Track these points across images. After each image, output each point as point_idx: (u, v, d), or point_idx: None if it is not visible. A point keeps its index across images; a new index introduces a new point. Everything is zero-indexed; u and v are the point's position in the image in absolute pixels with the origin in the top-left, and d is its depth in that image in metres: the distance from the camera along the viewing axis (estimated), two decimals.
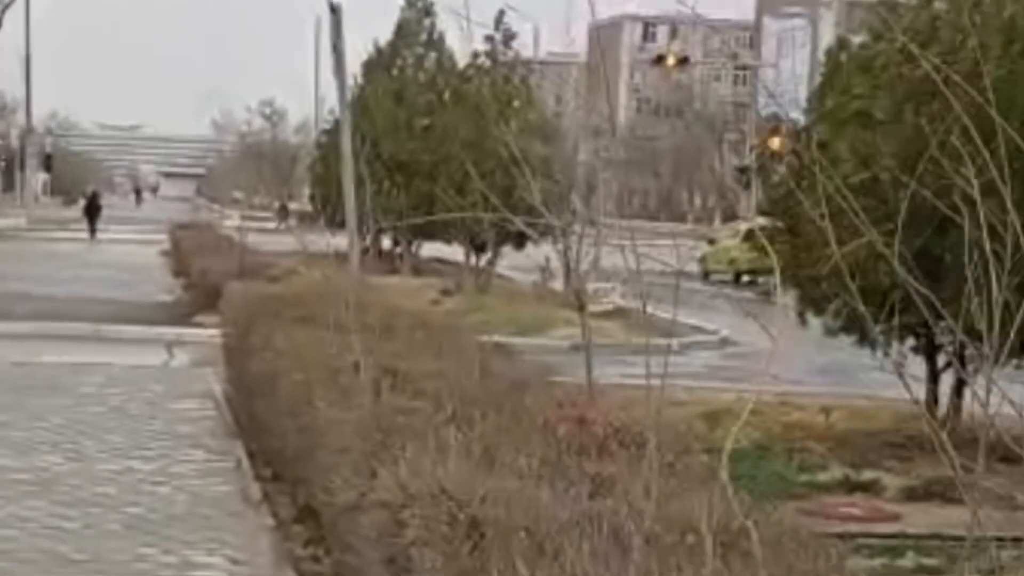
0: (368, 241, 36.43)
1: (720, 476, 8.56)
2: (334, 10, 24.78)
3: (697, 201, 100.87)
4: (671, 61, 44.53)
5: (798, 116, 15.71)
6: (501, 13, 35.89)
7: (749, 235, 45.67)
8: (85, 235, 57.64)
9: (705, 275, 41.96)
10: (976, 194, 4.15)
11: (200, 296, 24.22)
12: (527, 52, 41.37)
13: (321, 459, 7.84)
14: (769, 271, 43.89)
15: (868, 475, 12.24)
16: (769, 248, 6.85)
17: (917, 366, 13.84)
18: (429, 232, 38.38)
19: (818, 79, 15.56)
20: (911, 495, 11.75)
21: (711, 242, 46.87)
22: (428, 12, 43.18)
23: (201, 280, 25.05)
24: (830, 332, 13.91)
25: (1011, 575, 5.39)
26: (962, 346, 13.52)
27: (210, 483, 10.71)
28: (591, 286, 27.82)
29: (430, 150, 37.12)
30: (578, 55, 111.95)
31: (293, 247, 33.49)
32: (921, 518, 10.93)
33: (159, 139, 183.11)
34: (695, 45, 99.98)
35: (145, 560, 8.65)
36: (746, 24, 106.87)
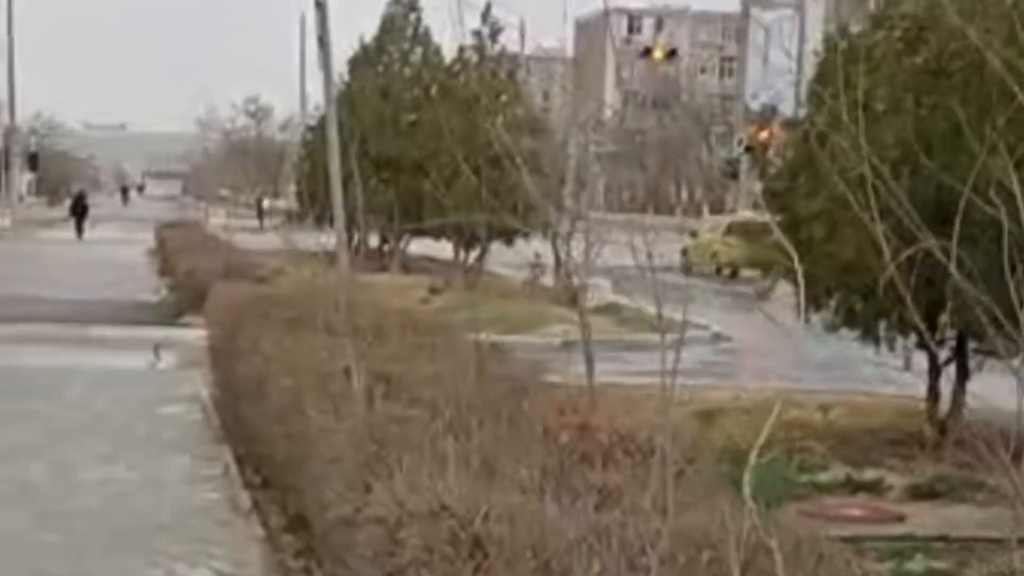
0: (357, 238, 36.12)
1: (723, 482, 8.28)
2: (320, 5, 24.49)
3: (684, 194, 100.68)
4: (658, 54, 44.22)
5: (785, 108, 15.49)
6: (488, 7, 35.64)
7: (731, 229, 45.95)
8: (71, 235, 57.26)
9: (687, 269, 41.82)
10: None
11: (186, 296, 23.91)
12: (514, 46, 41.12)
13: (312, 469, 7.54)
14: (750, 264, 43.96)
15: (870, 474, 11.97)
16: (786, 244, 6.54)
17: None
18: (416, 229, 38.06)
19: (806, 71, 15.30)
20: (915, 494, 11.49)
21: (693, 235, 46.73)
22: (413, 7, 42.88)
23: (187, 280, 24.73)
24: (831, 328, 13.62)
25: None
26: (962, 341, 13.28)
27: (197, 491, 10.39)
28: (578, 279, 27.46)
29: (417, 146, 36.83)
30: (564, 49, 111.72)
31: (281, 245, 33.26)
32: (927, 518, 10.68)
33: (145, 137, 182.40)
34: (681, 37, 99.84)
35: (130, 575, 8.35)
36: (733, 16, 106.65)
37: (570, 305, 27.22)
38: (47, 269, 36.23)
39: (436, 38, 41.88)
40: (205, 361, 15.25)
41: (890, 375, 15.29)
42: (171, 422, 13.47)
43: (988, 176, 8.87)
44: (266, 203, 78.96)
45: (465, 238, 34.49)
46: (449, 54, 39.23)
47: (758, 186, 41.03)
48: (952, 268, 4.03)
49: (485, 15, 36.09)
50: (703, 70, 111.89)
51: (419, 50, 42.24)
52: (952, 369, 13.45)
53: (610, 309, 26.56)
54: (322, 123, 32.92)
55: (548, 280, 31.46)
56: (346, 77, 41.81)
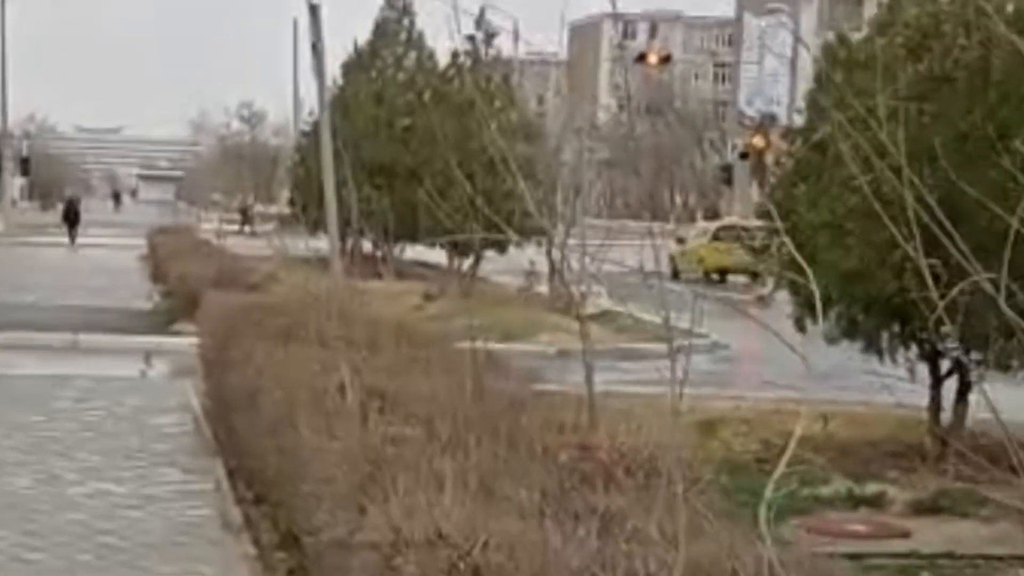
0: (350, 244, 35.92)
1: (723, 495, 8.08)
2: (313, 10, 24.31)
3: (678, 200, 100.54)
4: (653, 59, 44.09)
5: (779, 112, 15.31)
6: (482, 11, 35.43)
7: (717, 234, 45.97)
8: (63, 240, 56.99)
9: (675, 274, 41.75)
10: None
11: (178, 303, 23.69)
12: (508, 51, 40.94)
13: (305, 489, 7.33)
14: (737, 270, 43.96)
15: (872, 488, 11.77)
16: (798, 258, 6.37)
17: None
18: (411, 235, 37.89)
19: (800, 77, 15.11)
20: (918, 509, 11.30)
21: (680, 241, 46.73)
22: (407, 11, 42.70)
23: (179, 287, 24.50)
24: (832, 340, 13.42)
25: None
26: (966, 352, 13.09)
27: (187, 506, 10.17)
28: (577, 289, 27.26)
29: (411, 151, 36.65)
30: (558, 54, 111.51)
31: (279, 251, 33.05)
32: (931, 534, 10.50)
33: (138, 141, 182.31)
34: (675, 43, 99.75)
35: None
36: (726, 21, 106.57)
37: (565, 313, 27.06)
38: (38, 275, 36.00)
39: (430, 43, 41.75)
40: (197, 370, 15.03)
41: (888, 384, 15.10)
42: (162, 434, 13.25)
43: (995, 182, 8.72)
44: (260, 208, 78.68)
45: (458, 246, 34.27)
46: (443, 59, 39.09)
47: (755, 193, 40.94)
48: (979, 275, 3.84)
49: (479, 20, 35.88)
50: (696, 76, 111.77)
51: (413, 55, 42.06)
52: (952, 380, 13.30)
53: (606, 317, 26.37)
54: (316, 128, 32.74)
55: (543, 287, 31.27)
56: (339, 82, 41.62)
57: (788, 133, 14.68)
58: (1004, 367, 12.50)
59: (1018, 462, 4.47)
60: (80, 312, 26.04)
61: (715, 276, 44.05)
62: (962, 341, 12.91)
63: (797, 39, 75.46)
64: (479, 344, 11.22)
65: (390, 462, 6.43)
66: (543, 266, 31.24)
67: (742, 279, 44.13)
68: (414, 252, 40.36)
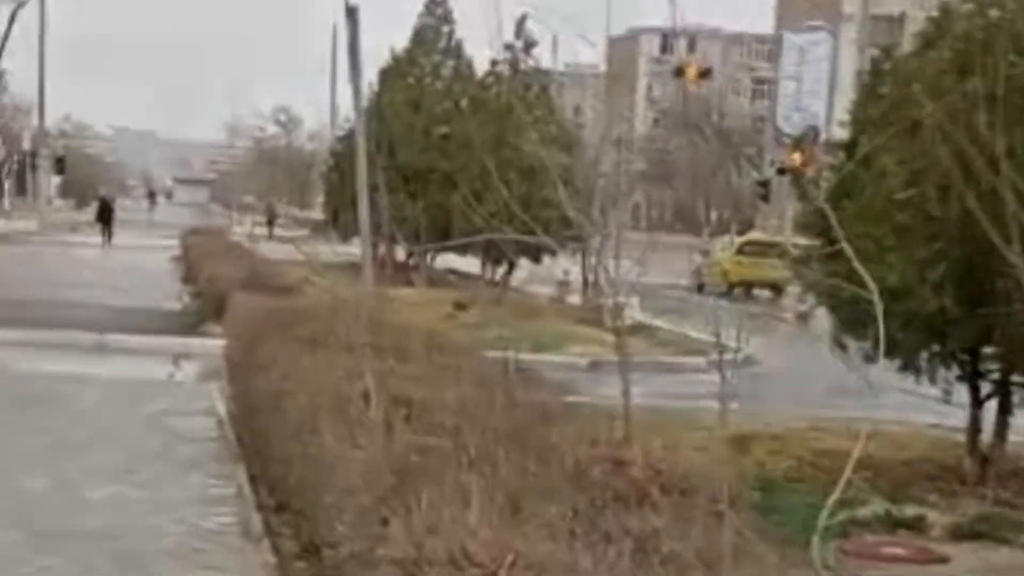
0: (382, 251, 35.73)
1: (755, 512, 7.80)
2: (351, 13, 24.13)
3: (713, 214, 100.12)
4: (692, 73, 43.69)
5: (818, 130, 15.03)
6: (522, 20, 35.24)
7: (742, 248, 45.90)
8: (97, 239, 56.95)
9: (699, 287, 41.54)
10: None
11: (208, 305, 23.49)
12: (546, 62, 40.66)
13: (327, 499, 7.07)
14: (761, 284, 43.69)
15: (911, 511, 11.46)
16: (867, 279, 6.11)
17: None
18: (444, 242, 37.67)
19: (840, 93, 14.84)
20: (957, 534, 11.00)
21: (705, 254, 46.70)
22: (447, 19, 42.46)
23: (209, 288, 24.30)
24: (870, 359, 13.10)
25: None
26: (1008, 372, 12.78)
27: (208, 512, 9.91)
28: (611, 300, 27.00)
29: (447, 159, 36.44)
30: (597, 66, 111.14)
31: (311, 255, 32.86)
32: (971, 561, 10.23)
33: (174, 143, 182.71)
34: (713, 58, 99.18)
35: None
36: (765, 37, 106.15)
37: (597, 324, 26.78)
38: (69, 273, 35.89)
39: (469, 51, 41.54)
40: (224, 373, 14.80)
41: (920, 402, 14.82)
42: (185, 437, 13.01)
43: None
44: (295, 212, 78.55)
45: (492, 254, 34.04)
46: (481, 68, 38.86)
47: (790, 210, 40.64)
48: None
49: (519, 29, 35.69)
50: (736, 91, 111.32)
51: (451, 63, 41.83)
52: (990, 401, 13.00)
53: (639, 329, 26.08)
54: (351, 134, 32.57)
55: (575, 298, 31.02)
56: (376, 88, 41.43)
57: (831, 147, 14.36)
58: None
59: None
60: (109, 311, 25.88)
61: (739, 290, 44.02)
62: (1004, 362, 12.62)
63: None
64: (510, 354, 10.98)
65: (415, 473, 6.18)
66: (576, 276, 31.02)
67: (766, 293, 43.99)
68: (446, 260, 40.16)
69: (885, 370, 13.49)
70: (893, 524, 11.19)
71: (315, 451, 7.60)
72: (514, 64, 36.14)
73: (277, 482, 9.90)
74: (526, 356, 18.71)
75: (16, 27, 56.31)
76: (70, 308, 26.10)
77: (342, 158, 41.44)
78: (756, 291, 44.61)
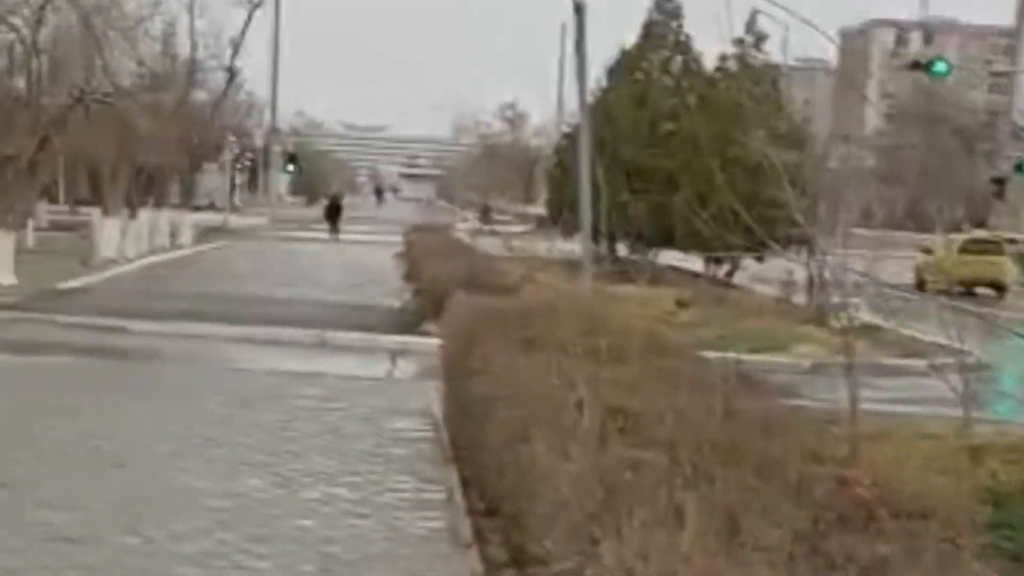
0: (604, 248, 35.47)
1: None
2: (578, 10, 23.94)
3: (944, 212, 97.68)
4: (941, 66, 42.40)
5: None
6: (753, 15, 34.64)
7: (966, 246, 44.47)
8: (325, 235, 57.81)
9: (920, 285, 40.39)
10: None
11: (428, 303, 23.46)
12: (776, 57, 39.87)
13: (537, 510, 6.78)
14: (983, 283, 42.21)
15: None
16: None
17: None
18: (666, 240, 37.28)
19: None
20: None
21: (927, 252, 45.38)
22: (676, 15, 42.00)
23: (431, 286, 24.27)
24: None
25: None
26: None
27: (417, 517, 9.72)
28: (836, 300, 26.33)
29: (671, 156, 36.03)
30: (827, 61, 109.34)
31: (528, 252, 32.76)
32: None
33: (401, 140, 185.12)
34: (950, 52, 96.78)
35: None
36: (1005, 30, 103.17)
37: (821, 325, 26.08)
38: (295, 270, 36.40)
39: (698, 47, 41.04)
40: (440, 373, 14.64)
41: None
42: (400, 438, 12.88)
43: None
44: (517, 209, 78.76)
45: (715, 252, 33.49)
46: (710, 63, 38.34)
47: None
48: None
49: (750, 24, 35.09)
50: (973, 85, 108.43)
51: (679, 59, 41.37)
52: None
53: (865, 330, 25.31)
54: (576, 130, 32.38)
55: (800, 298, 30.30)
56: (603, 84, 41.17)
57: None
58: None
59: None
60: (331, 308, 26.08)
61: (960, 289, 42.75)
62: None
63: None
64: (730, 355, 10.56)
65: (627, 490, 5.85)
66: (801, 276, 30.30)
67: (990, 292, 42.52)
68: (668, 258, 39.72)
69: None
70: None
71: (526, 460, 7.32)
72: (743, 59, 35.56)
73: (488, 486, 9.67)
74: (746, 357, 18.29)
75: (251, 26, 57.32)
76: (293, 305, 26.37)
77: (566, 155, 41.29)
78: (978, 290, 43.24)
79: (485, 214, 72.52)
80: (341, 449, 12.15)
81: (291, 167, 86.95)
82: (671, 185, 35.58)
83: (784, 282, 30.51)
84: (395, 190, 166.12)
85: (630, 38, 42.31)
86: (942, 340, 23.69)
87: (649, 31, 42.10)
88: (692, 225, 30.39)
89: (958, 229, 62.29)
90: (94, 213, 38.21)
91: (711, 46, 40.22)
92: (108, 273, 31.62)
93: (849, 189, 33.19)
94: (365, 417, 13.90)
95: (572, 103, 45.11)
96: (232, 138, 73.60)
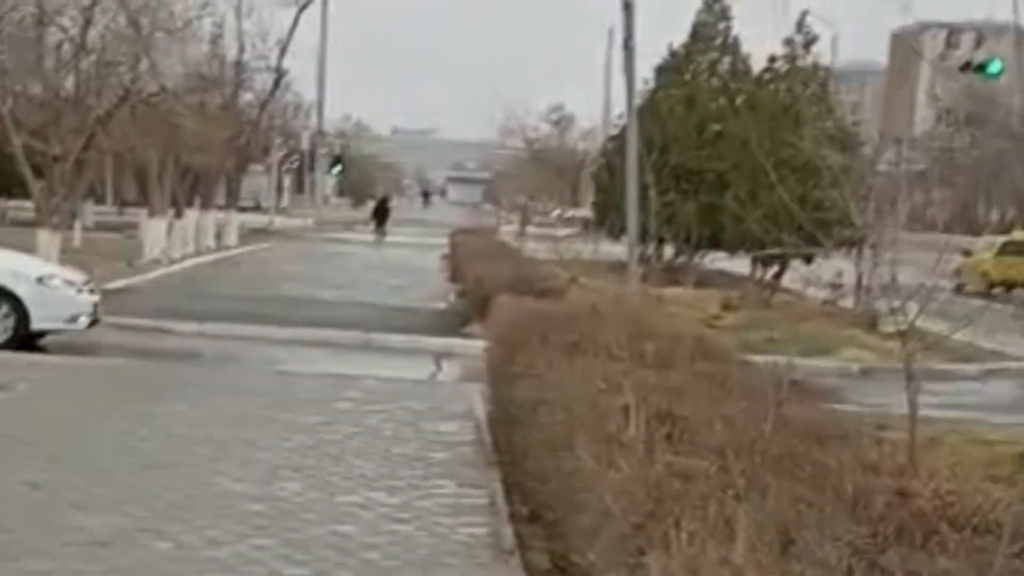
0: (651, 250, 35.17)
1: None
2: (627, 7, 23.70)
3: (995, 215, 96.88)
4: (995, 68, 41.91)
5: None
6: (803, 15, 34.31)
7: (1006, 248, 44.22)
8: (371, 236, 57.72)
9: (959, 288, 39.96)
10: None
11: (473, 305, 23.28)
12: (826, 59, 39.47)
13: (581, 521, 6.54)
14: (1021, 284, 41.85)
15: None
16: None
17: None
18: (714, 242, 36.94)
19: None
20: None
21: (967, 254, 45.10)
22: (725, 15, 41.68)
23: (475, 288, 24.09)
24: None
25: None
26: None
27: (459, 523, 9.48)
28: (885, 303, 26.00)
29: (720, 158, 35.72)
30: (876, 62, 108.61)
31: (573, 255, 32.52)
32: None
33: (448, 143, 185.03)
34: (1002, 54, 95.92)
35: None
36: None
37: (870, 328, 25.73)
38: (341, 272, 36.25)
39: (747, 47, 40.71)
40: (484, 376, 14.42)
41: None
42: (442, 441, 12.65)
43: None
44: (570, 212, 78.43)
45: (763, 254, 33.15)
46: (759, 64, 37.98)
47: None
48: None
49: (799, 24, 34.72)
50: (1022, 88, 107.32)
51: (728, 59, 41.03)
52: None
53: (913, 334, 24.93)
54: (623, 133, 32.10)
55: (848, 301, 29.94)
56: (651, 85, 40.88)
57: None
58: None
59: None
60: (376, 310, 25.93)
61: (1000, 289, 42.45)
62: None
63: None
64: (778, 359, 10.29)
65: (675, 499, 5.60)
66: (850, 279, 29.94)
67: None
68: (716, 260, 39.41)
69: None
70: None
71: (570, 467, 7.09)
72: (792, 60, 35.21)
73: (531, 492, 9.44)
74: (795, 361, 18.00)
75: (299, 28, 57.28)
76: (338, 306, 26.23)
77: (613, 156, 41.02)
78: (1018, 291, 42.81)
79: (524, 218, 72.02)
80: (381, 452, 11.93)
81: (337, 169, 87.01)
82: (721, 186, 35.24)
83: (832, 285, 30.15)
84: (442, 193, 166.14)
85: (679, 39, 42.03)
86: (992, 344, 23.42)
87: (697, 32, 41.79)
88: (741, 226, 30.08)
89: (1008, 231, 61.82)
90: (140, 214, 38.19)
91: (761, 46, 39.82)
92: (153, 274, 31.56)
93: (899, 191, 32.76)
94: (406, 420, 13.68)
95: (619, 106, 44.90)
96: (279, 139, 73.58)
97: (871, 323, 26.47)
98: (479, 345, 16.57)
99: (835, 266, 29.01)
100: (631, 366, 8.47)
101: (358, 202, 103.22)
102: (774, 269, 34.63)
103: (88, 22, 31.42)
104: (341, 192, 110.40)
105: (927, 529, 5.58)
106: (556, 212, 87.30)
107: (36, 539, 8.51)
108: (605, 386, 7.91)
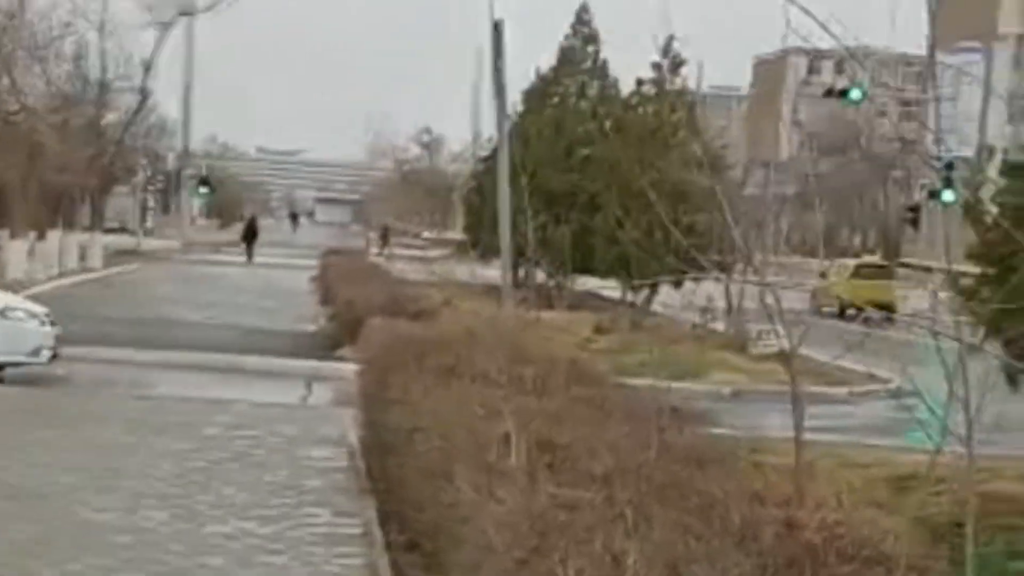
0: (523, 273, 35.11)
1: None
2: (496, 27, 23.56)
3: (857, 239, 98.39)
4: (855, 94, 42.57)
5: (970, 155, 14.09)
6: (669, 40, 34.44)
7: (858, 271, 45.30)
8: (239, 258, 57.06)
9: (817, 309, 40.66)
10: None
11: (344, 328, 23.01)
12: (691, 84, 39.73)
13: (462, 554, 6.35)
14: (874, 305, 42.67)
15: None
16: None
17: None
18: (586, 266, 36.95)
19: (994, 114, 13.88)
20: None
21: (823, 276, 46.03)
22: (592, 39, 41.79)
23: (346, 310, 23.82)
24: None
25: None
26: None
27: (333, 553, 9.25)
28: (754, 327, 26.20)
29: (590, 181, 35.75)
30: (740, 88, 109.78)
31: (445, 275, 32.37)
32: None
33: (316, 164, 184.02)
34: (862, 80, 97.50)
35: None
36: (915, 58, 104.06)
37: (740, 351, 25.86)
38: (208, 293, 35.73)
39: (613, 72, 40.83)
40: (356, 401, 14.18)
41: None
42: (315, 468, 12.39)
43: None
44: (427, 234, 78.20)
45: (633, 278, 33.22)
46: (626, 88, 38.11)
47: (942, 234, 39.50)
48: None
49: (666, 48, 34.86)
50: (882, 113, 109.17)
51: (596, 83, 41.14)
52: None
53: (783, 357, 25.08)
54: (493, 155, 32.02)
55: (718, 324, 30.10)
56: (520, 109, 40.86)
57: (1011, 169, 13.39)
58: None
59: None
60: (246, 332, 25.54)
61: (851, 312, 43.22)
62: None
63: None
64: (654, 383, 10.21)
65: (560, 532, 5.44)
66: (720, 301, 30.13)
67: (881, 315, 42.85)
68: (587, 283, 39.44)
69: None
70: None
71: (449, 498, 6.90)
72: (660, 84, 35.35)
73: (408, 520, 9.24)
74: (666, 384, 17.96)
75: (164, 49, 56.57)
76: (206, 329, 25.81)
77: (484, 178, 40.93)
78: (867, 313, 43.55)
79: (384, 236, 71.52)
80: (252, 480, 11.64)
81: (203, 190, 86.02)
82: (592, 208, 35.27)
83: (702, 308, 30.29)
84: (310, 214, 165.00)
85: (546, 63, 42.06)
86: (860, 367, 23.64)
87: (565, 55, 41.85)
88: (612, 251, 30.14)
89: (871, 254, 62.76)
90: (1, 235, 37.36)
91: (627, 72, 39.96)
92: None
93: (767, 215, 33.15)
94: (277, 446, 13.40)
95: (489, 129, 44.89)
96: (144, 160, 72.60)
97: (741, 346, 26.63)
98: (350, 368, 16.33)
99: (705, 290, 29.16)
100: (511, 391, 8.31)
101: (225, 223, 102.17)
102: (644, 293, 34.73)
103: None
104: (208, 213, 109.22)
105: (817, 562, 5.48)
106: (426, 234, 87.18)
107: None
108: (483, 412, 7.73)
